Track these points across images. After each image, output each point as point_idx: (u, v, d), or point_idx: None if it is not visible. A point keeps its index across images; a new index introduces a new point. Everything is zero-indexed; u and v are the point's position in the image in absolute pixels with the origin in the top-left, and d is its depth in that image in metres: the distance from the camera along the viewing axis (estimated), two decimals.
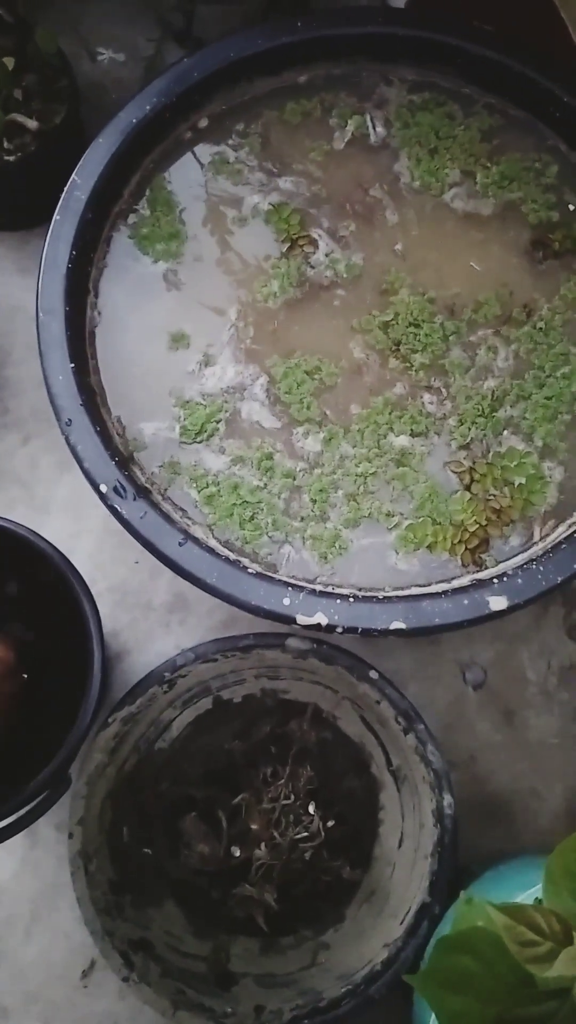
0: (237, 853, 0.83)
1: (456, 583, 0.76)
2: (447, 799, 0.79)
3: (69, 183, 0.78)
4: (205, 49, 0.84)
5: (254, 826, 0.83)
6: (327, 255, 0.84)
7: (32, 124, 0.90)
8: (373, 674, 0.80)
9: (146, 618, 0.93)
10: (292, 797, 0.85)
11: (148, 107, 0.82)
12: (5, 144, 0.89)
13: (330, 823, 0.85)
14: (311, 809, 0.85)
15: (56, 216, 0.78)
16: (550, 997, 0.40)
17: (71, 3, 1.05)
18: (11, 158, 0.89)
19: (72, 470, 0.95)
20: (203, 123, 0.86)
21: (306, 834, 0.84)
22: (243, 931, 0.85)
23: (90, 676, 0.71)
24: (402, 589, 0.76)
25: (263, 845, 0.83)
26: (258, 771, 0.87)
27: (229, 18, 1.02)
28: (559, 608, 0.95)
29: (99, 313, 0.81)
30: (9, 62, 0.90)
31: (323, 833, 0.84)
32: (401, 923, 0.80)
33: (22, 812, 0.70)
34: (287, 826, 0.84)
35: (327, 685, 0.88)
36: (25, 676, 0.76)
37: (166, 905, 0.85)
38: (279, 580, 0.74)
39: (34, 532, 0.75)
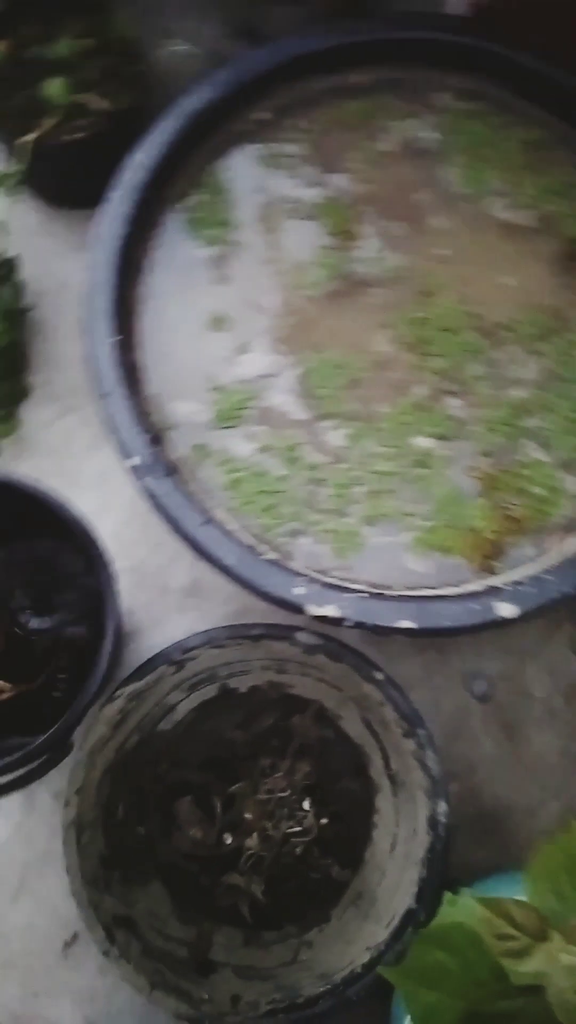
0: (229, 840, 0.83)
1: (467, 588, 0.76)
2: (442, 807, 0.79)
3: (128, 161, 0.80)
4: (268, 45, 0.86)
5: (248, 815, 0.83)
6: (373, 253, 0.85)
7: (102, 105, 0.92)
8: (379, 675, 0.80)
9: (161, 600, 0.94)
10: (288, 791, 0.85)
11: (210, 96, 0.84)
12: (74, 122, 0.92)
13: (324, 821, 0.85)
14: (306, 805, 0.85)
15: (113, 192, 0.79)
16: (521, 994, 0.40)
17: None
18: (79, 136, 0.91)
19: (104, 448, 0.97)
20: (262, 116, 0.88)
21: (299, 829, 0.84)
22: (227, 921, 0.85)
23: (102, 644, 0.71)
24: (413, 589, 0.76)
25: (255, 835, 0.83)
26: (257, 762, 0.87)
27: (298, 19, 1.04)
28: (570, 627, 0.95)
29: (145, 291, 0.82)
30: (88, 43, 0.92)
31: (316, 830, 0.84)
32: (387, 927, 0.79)
33: (22, 771, 0.71)
34: (281, 819, 0.84)
35: (332, 684, 0.88)
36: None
37: (153, 886, 0.86)
38: (293, 569, 0.74)
39: (65, 502, 0.76)
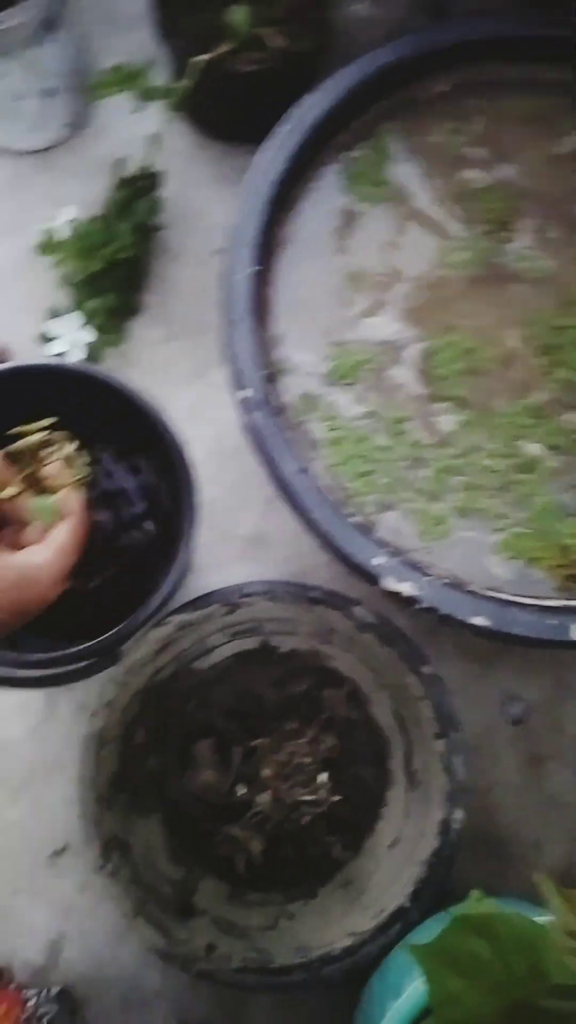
0: (241, 792, 0.83)
1: (545, 603, 0.74)
2: (458, 814, 0.78)
3: (304, 100, 0.79)
4: (466, 19, 0.85)
5: (266, 771, 0.82)
6: (524, 248, 0.83)
7: (279, 43, 0.91)
8: (427, 669, 0.79)
9: (223, 543, 0.93)
10: (309, 759, 0.84)
11: (398, 56, 0.82)
12: (248, 54, 0.91)
13: (337, 798, 0.84)
14: (323, 778, 0.84)
15: (283, 126, 0.78)
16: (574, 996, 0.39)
17: None
18: (250, 68, 0.90)
19: (203, 379, 0.96)
20: (443, 88, 0.86)
21: (312, 799, 0.83)
22: (217, 872, 0.85)
23: (173, 563, 0.71)
24: (491, 590, 0.74)
25: (268, 794, 0.82)
26: (283, 723, 0.86)
27: (490, 3, 1.02)
28: None
29: (289, 232, 0.81)
30: None
31: (328, 805, 0.83)
32: (373, 919, 0.78)
33: (64, 669, 0.71)
34: (296, 784, 0.83)
35: (372, 667, 0.86)
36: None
37: (153, 819, 0.85)
38: (377, 538, 0.73)
39: (165, 415, 0.76)
